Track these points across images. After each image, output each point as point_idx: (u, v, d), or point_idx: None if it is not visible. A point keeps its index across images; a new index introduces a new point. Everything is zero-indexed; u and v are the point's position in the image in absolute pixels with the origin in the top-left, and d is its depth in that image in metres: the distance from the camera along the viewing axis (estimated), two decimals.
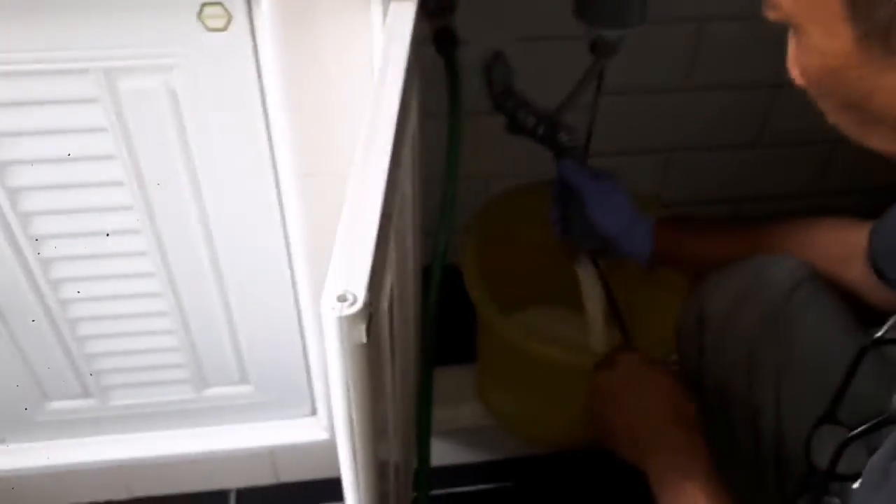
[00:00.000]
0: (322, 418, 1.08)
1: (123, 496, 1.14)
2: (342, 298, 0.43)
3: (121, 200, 0.80)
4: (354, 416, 0.49)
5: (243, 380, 1.01)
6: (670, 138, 1.31)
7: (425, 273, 0.99)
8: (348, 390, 0.47)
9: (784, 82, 0.49)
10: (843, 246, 0.79)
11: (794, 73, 0.47)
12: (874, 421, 0.57)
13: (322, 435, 1.08)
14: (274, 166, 0.80)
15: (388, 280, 0.57)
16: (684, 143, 1.32)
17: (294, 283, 0.91)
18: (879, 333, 0.61)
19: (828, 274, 0.79)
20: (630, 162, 1.31)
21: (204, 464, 1.09)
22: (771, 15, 0.45)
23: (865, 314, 0.77)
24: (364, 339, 0.44)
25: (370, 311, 0.45)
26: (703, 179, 1.39)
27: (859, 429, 0.58)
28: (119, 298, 0.89)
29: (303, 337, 0.97)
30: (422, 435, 1.00)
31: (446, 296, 0.98)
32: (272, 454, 1.11)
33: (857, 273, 0.77)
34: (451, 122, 0.93)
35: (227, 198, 0.81)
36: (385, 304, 0.55)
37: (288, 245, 0.87)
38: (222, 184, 0.80)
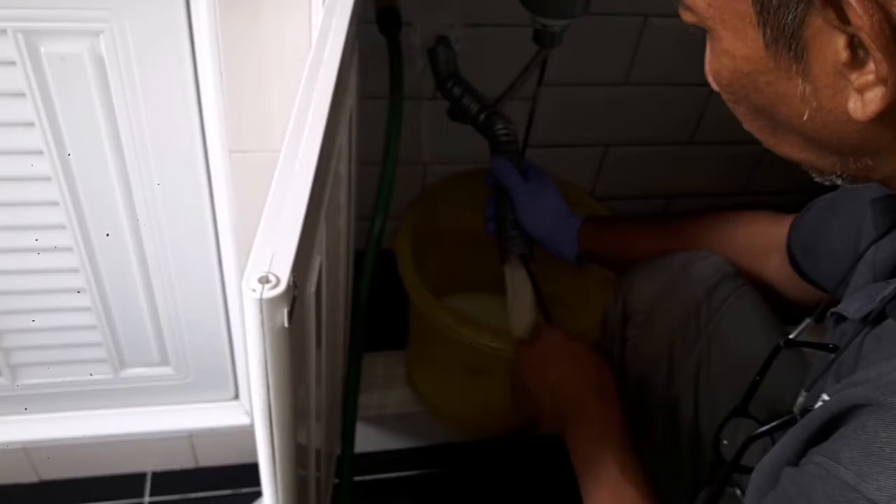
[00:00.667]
0: (245, 403, 1.06)
1: (31, 479, 1.09)
2: (264, 280, 0.41)
3: (39, 170, 0.76)
4: (273, 402, 0.47)
5: (163, 361, 0.98)
6: (608, 132, 1.32)
7: (359, 257, 0.97)
8: (267, 375, 0.45)
9: None
10: (763, 239, 0.81)
11: (710, 77, 0.48)
12: (781, 420, 0.58)
13: (244, 419, 1.06)
14: (204, 141, 0.77)
15: (317, 262, 0.55)
16: (621, 138, 1.34)
17: (220, 263, 0.88)
18: (793, 335, 0.62)
19: (748, 267, 0.81)
20: (567, 154, 1.32)
21: (120, 446, 1.06)
22: (686, 17, 0.45)
23: (784, 310, 0.79)
24: (286, 323, 0.43)
25: (294, 294, 0.43)
26: (638, 174, 1.41)
27: (766, 426, 0.60)
28: (33, 273, 0.85)
29: (227, 319, 0.94)
30: (347, 421, 0.99)
31: (379, 282, 0.97)
32: (191, 438, 1.08)
33: (776, 266, 0.79)
34: (392, 103, 0.91)
35: (153, 172, 0.78)
36: (312, 288, 0.53)
37: (215, 224, 0.84)
38: (148, 157, 0.77)
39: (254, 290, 0.41)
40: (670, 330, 0.79)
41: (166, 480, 1.12)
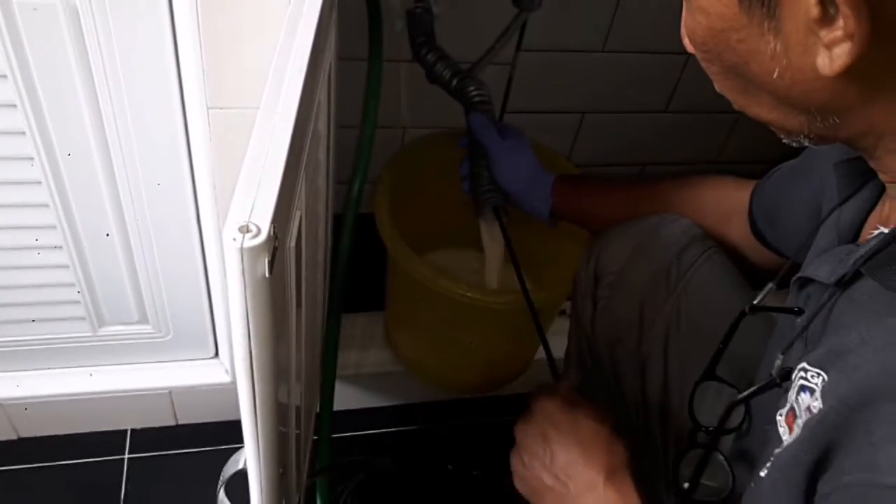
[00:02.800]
0: (225, 361, 1.07)
1: (10, 436, 1.10)
2: (245, 229, 0.42)
3: (13, 124, 0.75)
4: (255, 355, 0.48)
5: (142, 319, 0.98)
6: (585, 99, 1.33)
7: (337, 222, 0.98)
8: (248, 327, 0.46)
9: None
10: (727, 204, 0.82)
11: (686, 39, 0.48)
12: (760, 385, 0.58)
13: (224, 377, 1.06)
14: (181, 97, 0.77)
15: (296, 217, 0.55)
16: (598, 105, 1.34)
17: (199, 221, 0.88)
18: (757, 300, 0.63)
19: (713, 231, 0.83)
20: (545, 121, 1.33)
21: (99, 403, 1.06)
22: None
23: (748, 273, 0.81)
24: (267, 273, 0.43)
25: (274, 245, 0.43)
26: (614, 141, 1.42)
27: (747, 392, 0.60)
28: (10, 230, 0.84)
29: (206, 277, 0.95)
30: (326, 378, 1.00)
31: (358, 245, 0.98)
32: (171, 395, 1.09)
33: (738, 231, 0.81)
34: (371, 64, 0.91)
35: (130, 128, 0.78)
36: (292, 242, 0.54)
37: (193, 181, 0.84)
38: (125, 113, 0.76)
39: (234, 240, 0.41)
40: (641, 290, 0.81)
41: (146, 437, 1.13)
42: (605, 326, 0.84)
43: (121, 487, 1.08)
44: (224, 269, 0.44)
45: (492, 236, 1.00)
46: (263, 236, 0.42)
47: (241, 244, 0.41)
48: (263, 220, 0.42)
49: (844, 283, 0.49)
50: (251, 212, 0.42)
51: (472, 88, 0.99)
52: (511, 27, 1.03)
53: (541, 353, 0.90)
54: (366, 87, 0.91)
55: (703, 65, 0.48)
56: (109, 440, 1.12)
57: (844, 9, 0.37)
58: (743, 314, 0.63)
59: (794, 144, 0.49)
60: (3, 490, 1.06)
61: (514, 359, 1.19)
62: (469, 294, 0.93)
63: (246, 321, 0.46)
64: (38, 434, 1.10)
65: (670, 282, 0.80)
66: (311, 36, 0.54)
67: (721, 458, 0.66)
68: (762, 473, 0.49)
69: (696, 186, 0.86)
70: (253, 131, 0.47)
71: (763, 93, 0.46)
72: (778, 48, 0.41)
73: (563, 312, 1.21)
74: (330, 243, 0.96)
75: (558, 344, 0.92)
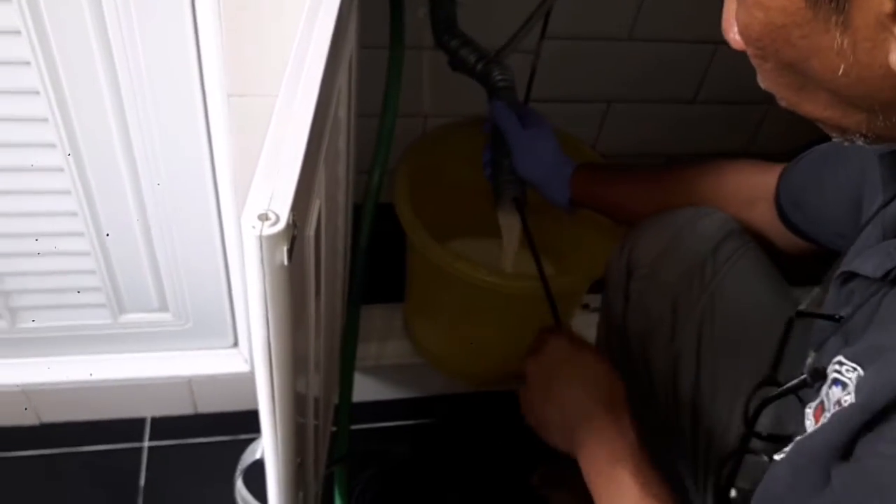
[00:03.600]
0: (244, 350, 1.07)
1: (32, 422, 1.11)
2: (263, 217, 0.41)
3: (36, 111, 0.75)
4: (273, 343, 0.47)
5: (162, 307, 0.98)
6: (611, 88, 1.31)
7: (357, 211, 0.97)
8: (267, 315, 0.46)
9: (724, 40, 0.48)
10: (751, 188, 0.80)
11: (730, 34, 0.46)
12: (792, 383, 0.57)
13: (243, 367, 1.07)
14: (202, 85, 0.76)
15: (316, 205, 0.55)
16: (624, 95, 1.33)
17: (218, 209, 0.88)
18: (803, 305, 0.61)
19: (735, 216, 0.81)
20: (569, 110, 1.31)
21: (119, 391, 1.07)
22: None
23: (777, 258, 0.79)
24: (286, 261, 0.43)
25: (293, 233, 0.43)
26: (640, 132, 1.40)
27: (779, 389, 0.59)
28: (32, 216, 0.85)
29: (226, 266, 0.95)
30: (345, 369, 1.00)
31: (378, 236, 0.97)
32: (190, 384, 1.09)
33: (761, 215, 0.79)
34: (392, 51, 0.90)
35: (150, 116, 0.78)
36: (311, 230, 0.53)
37: (213, 169, 0.84)
38: (146, 100, 0.76)
39: (253, 227, 0.41)
40: (674, 284, 0.79)
41: (165, 426, 1.14)
42: (636, 320, 0.83)
43: (140, 474, 1.09)
44: (243, 257, 0.43)
45: (509, 226, 0.99)
46: (282, 224, 0.41)
47: (260, 232, 0.41)
48: (283, 207, 0.42)
49: (893, 279, 0.47)
50: (270, 199, 0.42)
51: (497, 73, 0.98)
52: (535, 14, 1.02)
53: None
54: (387, 74, 0.90)
55: (755, 61, 0.46)
56: (129, 427, 1.12)
57: None
58: (792, 321, 0.62)
59: (846, 143, 0.46)
60: (25, 474, 1.07)
61: None
62: (488, 278, 0.91)
63: (264, 309, 0.46)
64: (59, 420, 1.11)
65: (705, 277, 0.78)
66: (332, 23, 0.53)
67: (765, 459, 0.64)
68: (777, 457, 0.48)
69: (718, 171, 0.84)
70: (272, 118, 0.46)
71: (820, 90, 0.43)
72: (845, 44, 0.39)
73: (585, 306, 1.20)
74: (350, 233, 0.95)
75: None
